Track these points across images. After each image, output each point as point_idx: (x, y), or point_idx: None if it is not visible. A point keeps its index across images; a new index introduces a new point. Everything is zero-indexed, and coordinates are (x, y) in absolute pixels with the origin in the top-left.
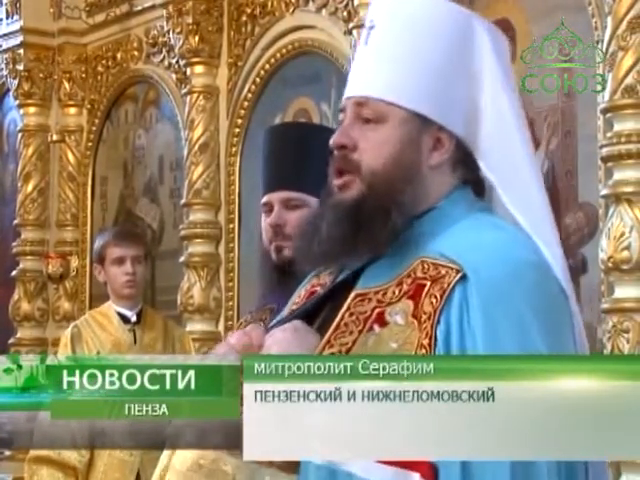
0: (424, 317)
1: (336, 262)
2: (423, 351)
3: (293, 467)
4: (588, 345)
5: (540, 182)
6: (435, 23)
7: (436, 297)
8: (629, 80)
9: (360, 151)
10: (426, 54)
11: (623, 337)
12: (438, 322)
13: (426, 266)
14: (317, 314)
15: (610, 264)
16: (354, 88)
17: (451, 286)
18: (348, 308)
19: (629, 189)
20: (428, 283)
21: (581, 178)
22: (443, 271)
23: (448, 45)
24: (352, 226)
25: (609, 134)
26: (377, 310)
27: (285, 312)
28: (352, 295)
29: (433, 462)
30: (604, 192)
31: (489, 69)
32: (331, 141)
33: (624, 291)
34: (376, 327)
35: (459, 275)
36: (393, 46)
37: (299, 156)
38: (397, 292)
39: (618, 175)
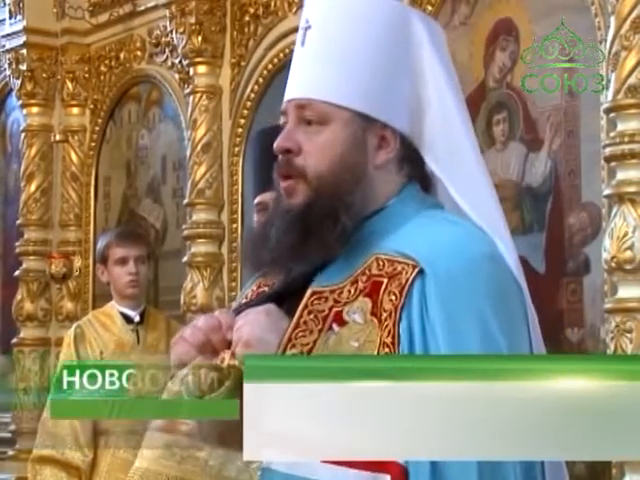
0: (384, 315)
1: (285, 268)
2: (386, 350)
3: None
4: (541, 339)
5: (486, 174)
6: (371, 20)
7: (395, 294)
8: (632, 80)
9: (304, 154)
10: (364, 52)
11: (626, 337)
12: (400, 319)
13: (381, 263)
14: None
15: (613, 264)
16: (294, 90)
17: (409, 282)
18: (306, 306)
19: (632, 189)
20: (385, 280)
21: (584, 178)
22: (399, 267)
23: (386, 41)
24: (301, 232)
25: (612, 134)
26: (335, 309)
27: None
28: (308, 293)
29: (403, 463)
30: (607, 192)
31: (429, 62)
32: (275, 145)
33: (627, 291)
34: (335, 326)
35: (416, 270)
36: (330, 46)
37: None
38: (353, 291)
39: (621, 175)
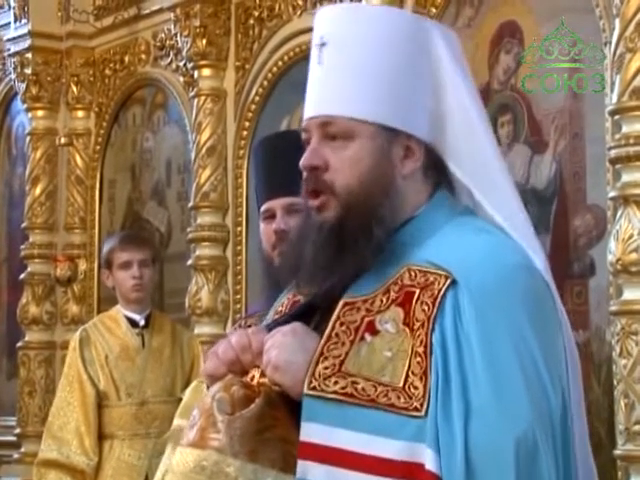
0: (417, 324)
1: (323, 283)
2: (418, 359)
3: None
4: (575, 347)
5: (510, 180)
6: (388, 34)
7: (428, 304)
8: (637, 82)
9: (332, 170)
10: (383, 66)
11: (632, 339)
12: (433, 329)
13: (413, 273)
14: (307, 322)
15: (618, 266)
16: (316, 108)
17: (442, 292)
18: (338, 317)
19: (637, 191)
20: (417, 290)
21: (589, 180)
22: (431, 278)
23: (404, 53)
24: (336, 249)
25: (617, 136)
26: (367, 319)
27: (269, 320)
28: (340, 304)
29: (437, 472)
30: (612, 194)
31: (449, 73)
32: (301, 163)
33: (633, 293)
34: (367, 336)
35: (449, 281)
36: (349, 61)
37: (295, 163)
38: (385, 300)
39: (626, 177)
